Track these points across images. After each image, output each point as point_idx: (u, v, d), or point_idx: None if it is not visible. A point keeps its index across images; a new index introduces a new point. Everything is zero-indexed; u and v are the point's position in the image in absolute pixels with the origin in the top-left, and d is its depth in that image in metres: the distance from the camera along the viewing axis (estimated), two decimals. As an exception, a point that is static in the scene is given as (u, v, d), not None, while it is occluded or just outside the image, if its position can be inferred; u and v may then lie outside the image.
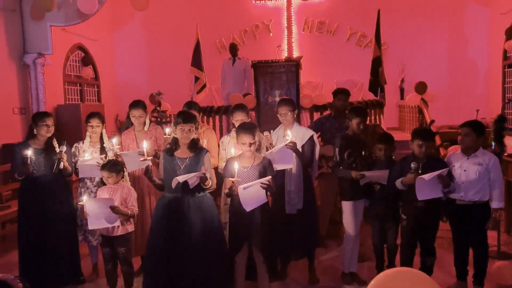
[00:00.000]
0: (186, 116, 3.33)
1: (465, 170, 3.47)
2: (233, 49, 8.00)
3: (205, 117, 6.87)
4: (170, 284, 3.24)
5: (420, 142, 3.46)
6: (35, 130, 3.87)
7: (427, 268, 3.54)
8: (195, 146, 3.34)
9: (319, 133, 4.65)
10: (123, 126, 4.45)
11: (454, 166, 3.53)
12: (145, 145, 3.37)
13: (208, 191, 3.39)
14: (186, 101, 4.33)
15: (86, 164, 3.86)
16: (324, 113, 6.30)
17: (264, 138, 3.77)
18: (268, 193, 3.34)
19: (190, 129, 3.28)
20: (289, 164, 3.61)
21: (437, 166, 3.46)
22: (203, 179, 3.20)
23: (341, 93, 4.79)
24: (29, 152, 3.69)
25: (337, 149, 3.78)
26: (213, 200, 3.45)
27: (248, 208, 3.21)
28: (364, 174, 3.61)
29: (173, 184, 3.16)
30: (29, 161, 3.69)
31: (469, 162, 3.48)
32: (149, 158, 3.34)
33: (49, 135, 3.88)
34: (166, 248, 3.24)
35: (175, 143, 3.35)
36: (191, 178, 3.16)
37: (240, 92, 7.36)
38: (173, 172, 3.27)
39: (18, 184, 4.01)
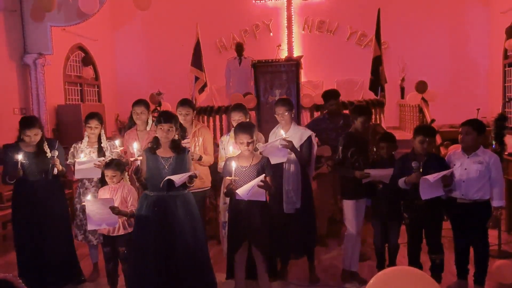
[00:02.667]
0: (166, 115, 3.34)
1: (465, 169, 3.47)
2: (239, 49, 8.00)
3: (205, 116, 6.87)
4: (163, 284, 3.25)
5: (422, 138, 3.48)
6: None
7: (436, 266, 3.55)
8: (177, 147, 3.36)
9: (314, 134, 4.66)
10: (123, 126, 4.47)
11: (454, 165, 3.53)
12: (135, 146, 3.42)
13: (189, 189, 3.41)
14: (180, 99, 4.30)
15: (83, 166, 3.84)
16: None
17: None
18: (267, 192, 3.34)
19: (169, 129, 3.29)
20: (283, 158, 3.60)
21: (437, 164, 3.47)
22: (192, 178, 3.25)
23: (334, 96, 4.79)
24: (20, 157, 3.61)
25: (340, 147, 3.77)
26: (193, 197, 3.49)
27: (241, 193, 3.19)
28: (369, 173, 3.60)
29: (162, 184, 3.19)
30: (19, 165, 3.61)
31: (470, 161, 3.47)
32: (139, 158, 3.38)
33: (34, 143, 3.75)
34: (158, 248, 3.24)
35: (156, 142, 3.35)
36: (182, 177, 3.19)
37: (246, 91, 7.37)
38: (158, 172, 3.28)
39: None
